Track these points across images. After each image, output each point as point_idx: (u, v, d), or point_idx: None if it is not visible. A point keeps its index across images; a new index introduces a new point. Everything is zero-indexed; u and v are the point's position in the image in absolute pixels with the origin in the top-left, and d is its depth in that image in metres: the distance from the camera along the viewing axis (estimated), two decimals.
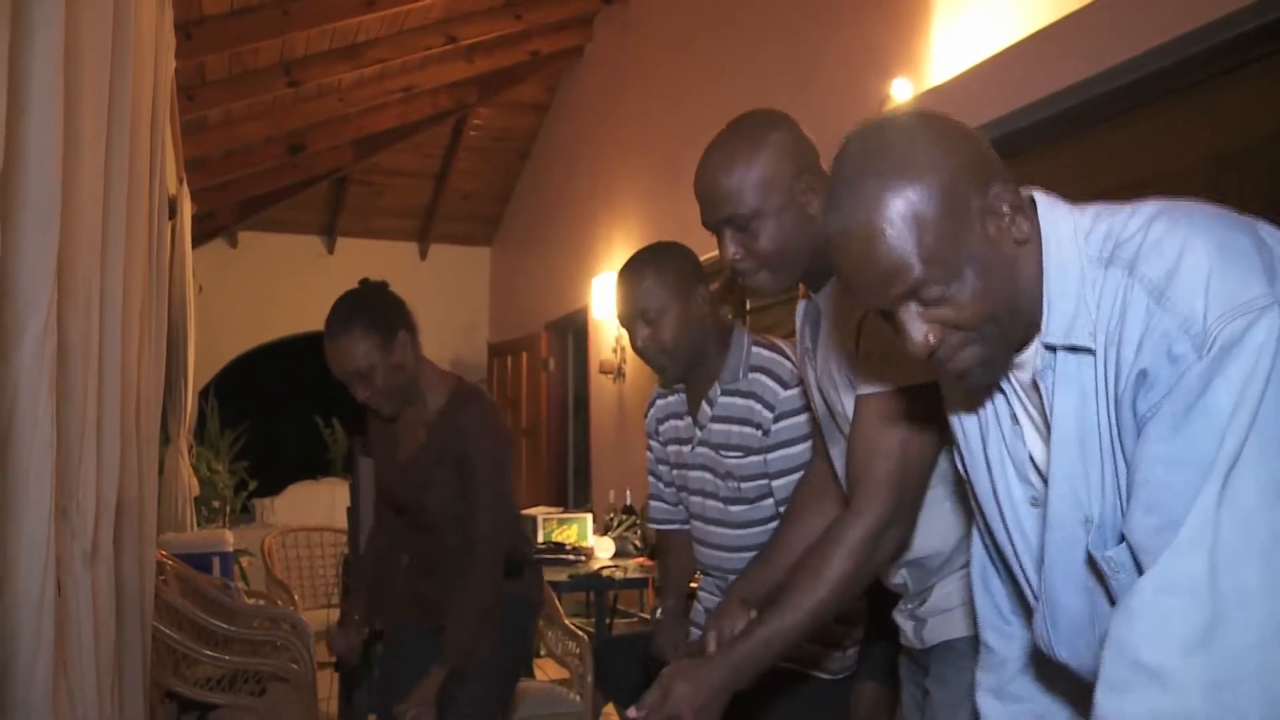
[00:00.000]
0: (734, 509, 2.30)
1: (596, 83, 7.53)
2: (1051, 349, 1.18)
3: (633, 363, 6.39)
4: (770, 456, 2.22)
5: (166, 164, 3.65)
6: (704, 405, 2.32)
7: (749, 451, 2.24)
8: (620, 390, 6.59)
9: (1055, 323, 1.16)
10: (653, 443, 2.59)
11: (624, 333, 6.82)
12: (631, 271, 2.30)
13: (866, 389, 1.62)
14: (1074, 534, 1.20)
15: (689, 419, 2.39)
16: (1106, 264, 1.13)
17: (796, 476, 2.15)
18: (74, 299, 1.71)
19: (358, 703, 3.76)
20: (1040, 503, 1.24)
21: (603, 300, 6.75)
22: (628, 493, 5.83)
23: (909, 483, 1.60)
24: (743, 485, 2.26)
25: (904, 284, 1.15)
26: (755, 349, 2.29)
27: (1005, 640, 1.42)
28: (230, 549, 5.04)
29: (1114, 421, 1.13)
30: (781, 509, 2.20)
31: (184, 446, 5.67)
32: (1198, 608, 1.03)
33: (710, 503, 2.35)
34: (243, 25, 5.47)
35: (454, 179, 8.83)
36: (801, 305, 1.86)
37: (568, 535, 5.41)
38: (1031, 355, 1.21)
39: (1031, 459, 1.26)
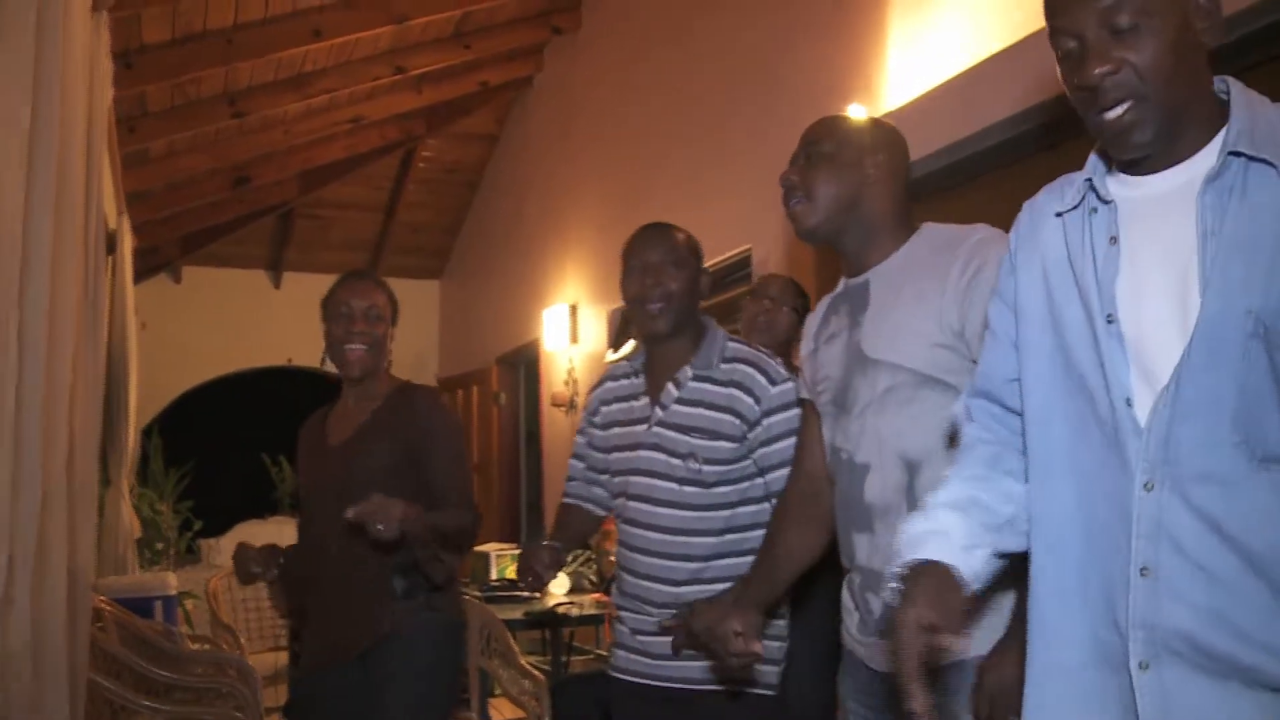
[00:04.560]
0: (689, 489, 2.30)
1: (546, 113, 7.49)
2: (1236, 155, 1.25)
3: (585, 395, 6.32)
4: (765, 450, 2.27)
5: (104, 197, 3.55)
6: (669, 387, 2.36)
7: (722, 437, 2.28)
8: (572, 423, 6.51)
9: (1247, 137, 1.24)
10: (587, 426, 2.60)
11: (576, 364, 6.77)
12: (663, 227, 2.45)
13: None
14: (1233, 320, 1.22)
15: (645, 399, 2.41)
16: None
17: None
18: None
19: None
20: (1116, 319, 1.31)
21: (554, 332, 6.69)
22: None
23: None
24: (705, 468, 2.28)
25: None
26: (731, 343, 2.38)
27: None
28: (173, 592, 4.89)
29: None
30: (771, 501, 2.26)
31: (125, 487, 5.51)
32: None
33: (661, 484, 2.34)
34: (185, 54, 5.36)
35: (403, 211, 8.75)
36: (827, 299, 2.06)
37: None
38: (1200, 161, 1.29)
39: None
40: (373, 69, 6.53)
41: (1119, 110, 1.28)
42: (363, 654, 2.58)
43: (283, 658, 5.29)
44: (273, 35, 5.62)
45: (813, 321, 2.11)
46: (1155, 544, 1.26)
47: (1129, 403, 1.29)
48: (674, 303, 2.34)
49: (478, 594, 4.78)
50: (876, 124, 2.03)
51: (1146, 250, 1.32)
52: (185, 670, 3.75)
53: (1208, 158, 1.28)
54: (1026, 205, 1.52)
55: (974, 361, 1.72)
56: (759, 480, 2.31)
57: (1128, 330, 1.31)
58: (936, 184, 3.56)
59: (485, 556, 5.35)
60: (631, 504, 2.40)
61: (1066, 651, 1.37)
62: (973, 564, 1.38)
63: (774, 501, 2.24)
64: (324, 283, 2.85)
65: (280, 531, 7.65)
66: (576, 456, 2.65)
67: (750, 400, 2.28)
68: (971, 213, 3.45)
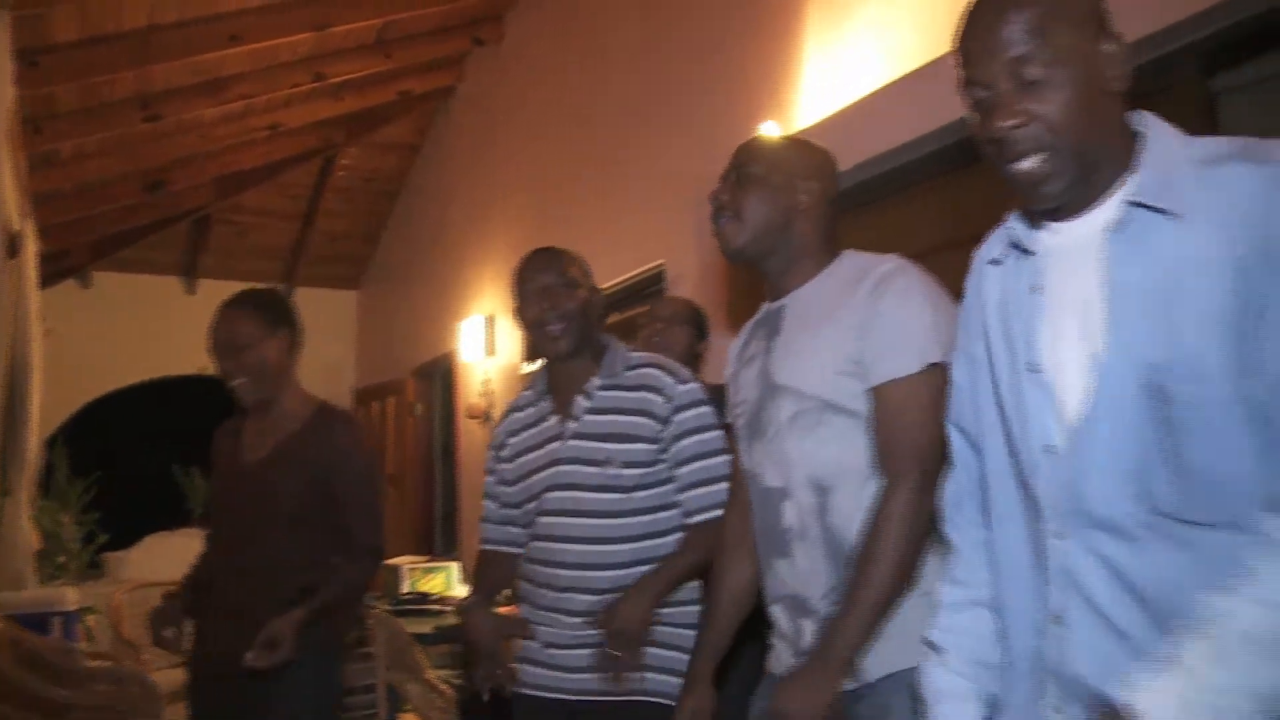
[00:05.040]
0: (607, 496, 2.33)
1: (468, 123, 7.46)
2: (1136, 205, 1.26)
3: (500, 407, 6.29)
4: (679, 445, 2.32)
5: (6, 198, 3.45)
6: (578, 399, 2.40)
7: (637, 439, 2.32)
8: (488, 435, 6.46)
9: (1149, 186, 1.25)
10: (495, 464, 2.60)
11: (492, 376, 6.74)
12: (553, 250, 2.49)
13: (891, 375, 1.77)
14: (1131, 373, 1.24)
15: (554, 418, 2.44)
16: (1215, 163, 1.22)
17: (709, 490, 2.29)
18: None
19: None
20: (1039, 368, 1.33)
21: (471, 344, 6.65)
22: None
23: (936, 449, 1.68)
24: (624, 472, 2.32)
25: (1011, 51, 1.27)
26: (631, 354, 2.44)
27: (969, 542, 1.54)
28: (73, 607, 4.77)
29: (1216, 287, 1.18)
30: (693, 518, 2.31)
31: (25, 499, 5.35)
32: None
33: (579, 495, 2.36)
34: (96, 55, 5.22)
35: (321, 220, 8.63)
36: (751, 321, 2.07)
37: (433, 585, 5.29)
38: (1106, 211, 1.30)
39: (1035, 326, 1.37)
40: (292, 75, 6.43)
41: (1029, 162, 1.29)
42: (252, 672, 2.56)
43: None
44: (189, 38, 5.50)
45: (736, 344, 2.14)
46: (1066, 593, 1.29)
47: (1045, 450, 1.31)
48: (573, 323, 2.38)
49: (388, 608, 4.73)
50: (810, 149, 2.04)
51: (1064, 298, 1.33)
52: (84, 688, 3.65)
53: (1113, 207, 1.30)
54: (976, 253, 1.53)
55: (870, 391, 1.77)
56: (673, 484, 2.34)
57: (1048, 379, 1.32)
58: (848, 201, 3.61)
59: (397, 570, 5.30)
60: (548, 520, 2.40)
61: (1015, 694, 1.40)
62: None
63: (694, 494, 2.30)
64: (240, 290, 2.80)
65: (190, 544, 7.38)
66: (488, 496, 2.65)
67: (659, 399, 2.33)
68: (885, 230, 3.53)
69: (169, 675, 5.01)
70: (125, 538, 7.71)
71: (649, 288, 4.73)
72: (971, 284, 1.52)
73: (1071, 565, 1.28)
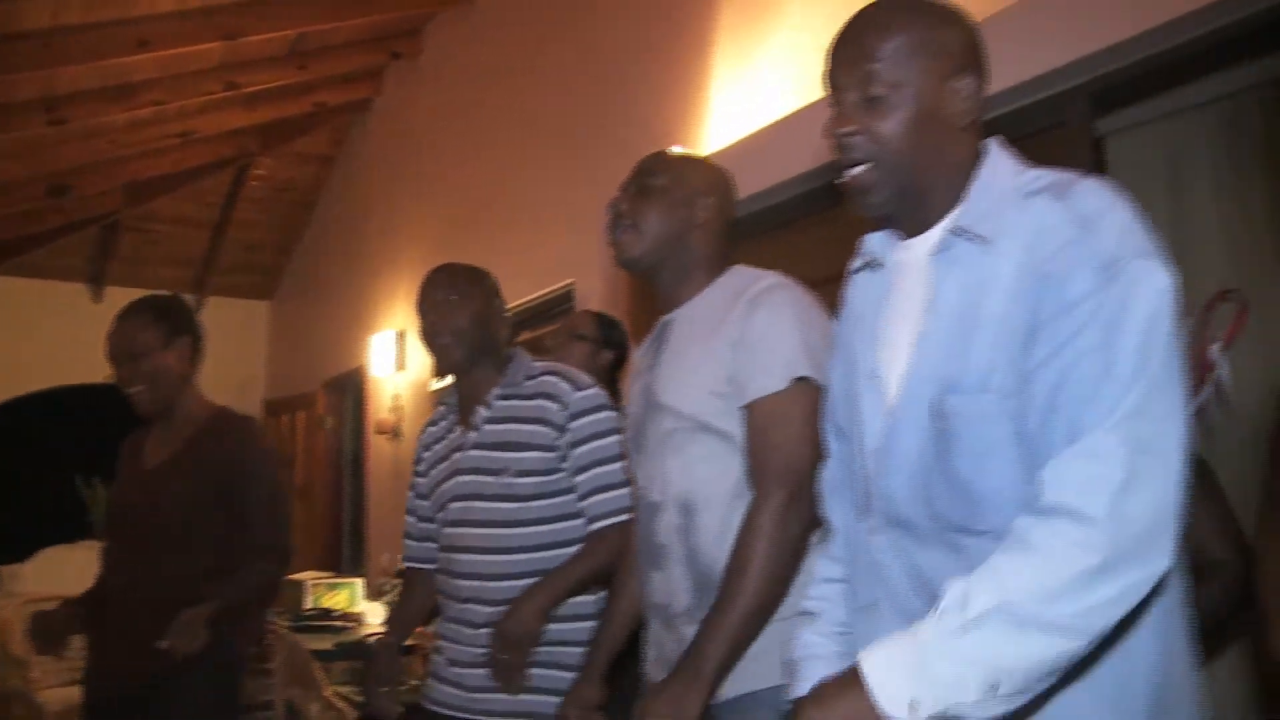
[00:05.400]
0: (505, 506, 2.34)
1: (385, 137, 7.42)
2: (957, 233, 1.34)
3: (410, 422, 6.26)
4: (576, 452, 2.32)
5: None
6: (479, 409, 2.42)
7: (534, 448, 2.33)
8: (397, 451, 6.43)
9: (970, 214, 1.34)
10: (414, 478, 2.62)
11: (402, 392, 6.70)
12: (446, 266, 2.51)
13: (760, 392, 1.79)
14: (926, 387, 1.32)
15: (458, 430, 2.46)
16: (1032, 195, 1.30)
17: (607, 496, 2.30)
18: None
19: None
20: (876, 375, 1.41)
21: (382, 358, 6.60)
22: (400, 557, 5.68)
23: (805, 465, 1.72)
24: (520, 481, 2.32)
25: (863, 67, 1.36)
26: (535, 364, 2.45)
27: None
28: None
29: (1008, 310, 1.26)
30: (594, 525, 2.31)
31: None
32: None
33: (478, 504, 2.37)
34: None
35: (234, 229, 8.50)
36: (650, 336, 2.09)
37: (337, 601, 5.24)
38: (933, 235, 1.39)
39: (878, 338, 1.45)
40: (203, 83, 6.33)
41: (856, 170, 1.39)
42: (150, 683, 2.52)
43: (78, 693, 5.05)
44: (96, 41, 5.39)
45: (634, 359, 2.18)
46: (876, 586, 1.37)
47: (871, 452, 1.40)
48: (462, 336, 2.40)
49: (288, 623, 4.67)
50: (711, 166, 2.08)
51: (900, 311, 1.42)
52: None
53: (939, 231, 1.39)
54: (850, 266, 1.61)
55: (743, 409, 1.81)
56: (574, 494, 2.35)
57: (883, 388, 1.41)
58: (754, 226, 3.67)
59: (300, 585, 5.24)
60: (450, 530, 2.41)
61: None
62: None
63: (594, 500, 2.31)
64: (140, 296, 2.76)
65: (89, 558, 7.26)
66: (408, 511, 2.65)
67: (556, 406, 2.34)
68: (790, 256, 3.58)
69: (58, 694, 4.90)
70: (20, 551, 7.50)
71: (558, 307, 4.76)
72: (845, 293, 1.60)
73: (881, 560, 1.37)
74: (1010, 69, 2.68)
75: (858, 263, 1.55)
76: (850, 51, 1.39)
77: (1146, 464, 1.13)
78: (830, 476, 1.60)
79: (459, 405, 2.50)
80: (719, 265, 2.00)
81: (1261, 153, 2.57)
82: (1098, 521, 1.11)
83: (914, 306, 1.39)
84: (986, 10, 2.80)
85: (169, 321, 2.68)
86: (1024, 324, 1.24)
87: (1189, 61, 2.48)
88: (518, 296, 4.77)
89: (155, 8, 5.40)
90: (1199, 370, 2.29)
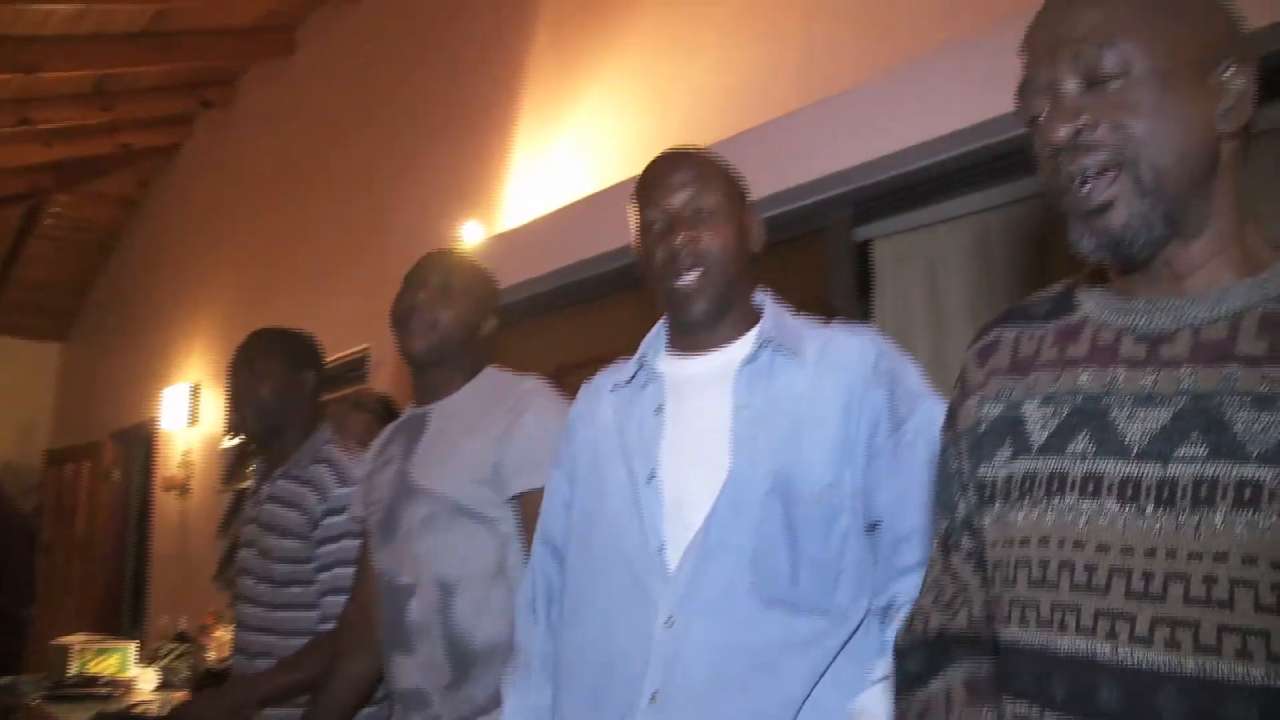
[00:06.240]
0: (262, 587, 2.37)
1: (192, 185, 7.23)
2: (768, 345, 1.50)
3: (200, 479, 6.08)
4: (322, 550, 2.31)
5: None
6: (264, 486, 2.44)
7: (288, 534, 2.34)
8: (185, 508, 6.22)
9: (775, 331, 1.52)
10: None
11: (194, 447, 6.48)
12: (261, 332, 2.53)
13: (530, 484, 1.87)
14: (757, 479, 1.43)
15: (255, 498, 2.49)
16: (821, 329, 1.53)
17: (342, 599, 2.25)
18: None
19: None
20: (656, 478, 1.49)
21: (175, 412, 6.39)
22: (182, 619, 5.48)
23: None
24: (277, 566, 2.34)
25: (686, 193, 1.56)
26: (328, 445, 2.44)
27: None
28: None
29: (831, 418, 1.45)
30: (325, 625, 2.28)
31: None
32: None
33: (248, 580, 2.42)
34: None
35: (23, 267, 8.13)
36: (392, 425, 2.16)
37: (106, 666, 4.97)
38: (743, 347, 1.53)
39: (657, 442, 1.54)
40: None
41: (691, 276, 1.54)
42: None
43: None
44: None
45: (375, 445, 2.20)
46: (668, 673, 1.41)
47: (661, 549, 1.46)
48: (250, 412, 2.44)
49: (43, 694, 4.41)
50: (495, 283, 2.19)
51: (688, 419, 1.53)
52: None
53: (744, 346, 1.54)
54: (584, 386, 1.73)
55: (509, 499, 1.90)
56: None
57: (667, 488, 1.49)
58: (545, 306, 3.74)
59: (65, 649, 4.95)
60: (237, 603, 2.46)
61: None
62: None
63: (329, 600, 2.30)
64: None
65: None
66: None
67: (315, 498, 2.34)
68: (576, 335, 3.66)
69: None
70: None
71: (353, 371, 4.71)
72: (583, 408, 1.70)
73: (680, 650, 1.41)
74: (779, 175, 2.85)
75: (616, 379, 1.65)
76: (681, 174, 1.59)
77: None
78: (531, 595, 1.70)
79: (265, 472, 2.52)
80: (478, 367, 2.11)
81: (1007, 266, 2.77)
82: None
83: (717, 413, 1.50)
84: (758, 119, 2.97)
85: None
86: (846, 436, 1.44)
87: (945, 178, 2.68)
88: None
89: None
90: None
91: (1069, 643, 0.97)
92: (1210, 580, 0.89)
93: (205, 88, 6.67)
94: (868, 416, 1.45)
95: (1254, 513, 0.88)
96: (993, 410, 1.13)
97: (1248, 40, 1.03)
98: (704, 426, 1.50)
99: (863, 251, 3.00)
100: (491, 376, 2.09)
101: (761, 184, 2.80)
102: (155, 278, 7.52)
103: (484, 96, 4.26)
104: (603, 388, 1.67)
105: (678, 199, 1.56)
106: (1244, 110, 1.00)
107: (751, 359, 1.51)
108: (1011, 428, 1.09)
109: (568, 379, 3.48)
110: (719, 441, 1.47)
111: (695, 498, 1.46)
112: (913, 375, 1.51)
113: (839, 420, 1.45)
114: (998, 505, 1.08)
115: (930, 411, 1.43)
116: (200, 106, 6.82)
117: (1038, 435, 1.05)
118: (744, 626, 1.39)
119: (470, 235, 3.99)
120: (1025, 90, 1.06)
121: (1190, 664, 0.89)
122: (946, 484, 1.21)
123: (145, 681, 4.69)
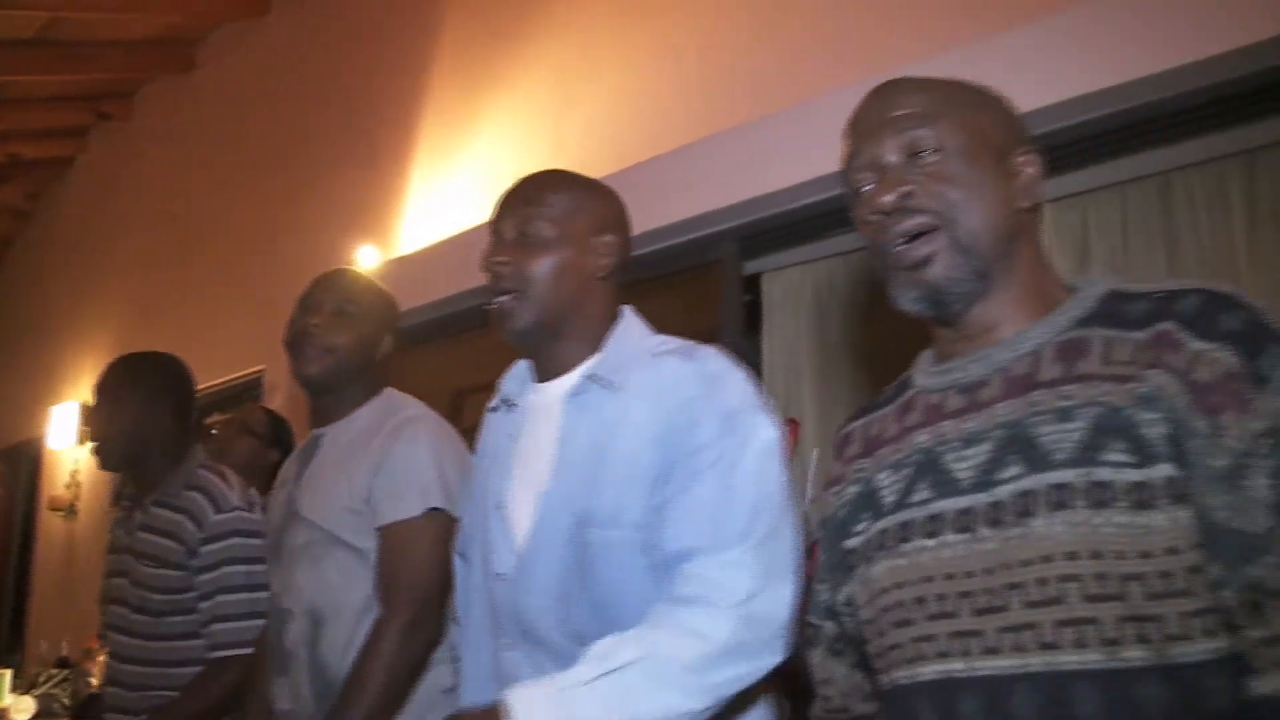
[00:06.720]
0: (138, 618, 2.31)
1: (85, 199, 7.08)
2: (592, 379, 1.48)
3: (87, 499, 5.92)
4: (201, 579, 2.27)
5: None
6: (136, 514, 2.37)
7: (166, 564, 2.28)
8: (71, 529, 6.05)
9: (605, 364, 1.49)
10: None
11: (82, 468, 6.32)
12: (124, 359, 2.47)
13: (394, 516, 1.86)
14: (563, 516, 1.43)
15: (125, 526, 2.43)
16: (661, 355, 1.48)
17: (230, 626, 2.24)
18: None
19: None
20: (502, 506, 1.51)
21: (62, 430, 6.23)
22: (64, 644, 5.31)
23: (431, 590, 1.81)
24: (154, 596, 2.29)
25: (525, 210, 1.53)
26: (200, 470, 2.39)
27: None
28: None
29: (639, 451, 1.41)
30: (213, 653, 2.25)
31: None
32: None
33: (122, 610, 2.35)
34: None
35: None
36: (300, 446, 2.12)
37: None
38: (570, 379, 1.52)
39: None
40: None
41: (502, 299, 1.52)
42: None
43: None
44: None
45: (284, 467, 2.19)
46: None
47: (500, 577, 1.49)
48: (108, 438, 2.38)
49: None
50: (394, 305, 2.16)
51: (530, 448, 1.54)
52: None
53: (574, 377, 1.53)
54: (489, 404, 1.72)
55: (377, 530, 1.88)
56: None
57: (509, 516, 1.51)
58: (442, 330, 3.73)
59: None
60: (108, 633, 2.38)
61: None
62: None
63: (218, 628, 2.26)
64: None
65: None
66: None
67: (193, 526, 2.30)
68: (473, 360, 3.66)
69: None
70: None
71: (247, 393, 4.65)
72: (483, 429, 1.71)
73: (516, 674, 1.44)
74: (672, 207, 2.90)
75: (493, 402, 1.66)
76: (519, 196, 1.57)
77: (770, 581, 1.32)
78: (459, 599, 1.69)
79: (135, 499, 2.44)
80: (374, 389, 2.08)
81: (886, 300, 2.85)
82: (729, 617, 1.29)
83: (547, 443, 1.50)
84: (652, 152, 3.02)
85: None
86: (655, 465, 1.40)
87: (834, 214, 2.74)
88: (206, 379, 4.62)
89: None
90: None
91: (931, 669, 1.07)
92: (1042, 582, 1.00)
93: (103, 100, 6.53)
94: (684, 443, 1.39)
95: (1067, 512, 0.99)
96: (851, 491, 1.25)
97: (1035, 138, 1.23)
98: (539, 457, 1.51)
99: (753, 284, 3.06)
100: (385, 399, 2.06)
101: (654, 216, 2.87)
102: (44, 292, 7.33)
103: (385, 121, 4.26)
104: (487, 409, 1.69)
105: (507, 218, 1.56)
106: (1036, 190, 1.18)
107: (575, 392, 1.50)
108: (868, 500, 1.21)
109: (464, 404, 3.51)
110: (543, 473, 1.49)
111: (522, 528, 1.49)
112: (734, 395, 1.43)
113: (651, 450, 1.41)
114: (860, 568, 1.19)
115: (745, 430, 1.40)
116: (98, 119, 6.67)
117: (890, 497, 1.18)
118: (558, 660, 1.40)
119: (367, 259, 3.98)
120: (851, 166, 1.21)
121: (1036, 662, 0.99)
122: (818, 584, 1.32)
123: (20, 711, 4.55)
